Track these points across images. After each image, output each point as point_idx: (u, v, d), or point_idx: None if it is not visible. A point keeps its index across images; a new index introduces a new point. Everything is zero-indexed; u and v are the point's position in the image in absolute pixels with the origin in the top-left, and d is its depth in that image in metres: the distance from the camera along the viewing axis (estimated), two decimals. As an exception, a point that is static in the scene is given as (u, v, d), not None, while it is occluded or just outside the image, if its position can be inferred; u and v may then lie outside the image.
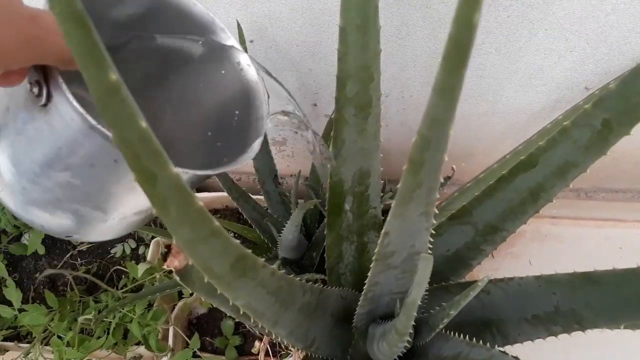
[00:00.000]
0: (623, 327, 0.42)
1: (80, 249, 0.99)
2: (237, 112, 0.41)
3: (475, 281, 0.38)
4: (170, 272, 0.50)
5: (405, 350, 0.44)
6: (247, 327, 0.89)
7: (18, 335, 0.89)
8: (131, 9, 0.36)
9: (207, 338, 0.90)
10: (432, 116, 0.21)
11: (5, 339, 0.86)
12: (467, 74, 0.20)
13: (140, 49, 0.38)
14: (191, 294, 0.89)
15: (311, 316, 0.44)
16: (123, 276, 0.95)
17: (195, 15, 0.39)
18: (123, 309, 0.79)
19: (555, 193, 0.45)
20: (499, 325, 0.48)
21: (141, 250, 0.98)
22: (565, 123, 0.41)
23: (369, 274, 0.42)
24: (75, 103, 0.26)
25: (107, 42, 0.36)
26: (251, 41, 0.65)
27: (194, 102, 0.42)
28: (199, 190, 0.98)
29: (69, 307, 0.85)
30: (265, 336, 0.82)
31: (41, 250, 0.94)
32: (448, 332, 0.46)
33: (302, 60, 0.68)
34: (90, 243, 0.99)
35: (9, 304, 0.82)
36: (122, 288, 0.90)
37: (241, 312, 0.35)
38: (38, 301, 0.91)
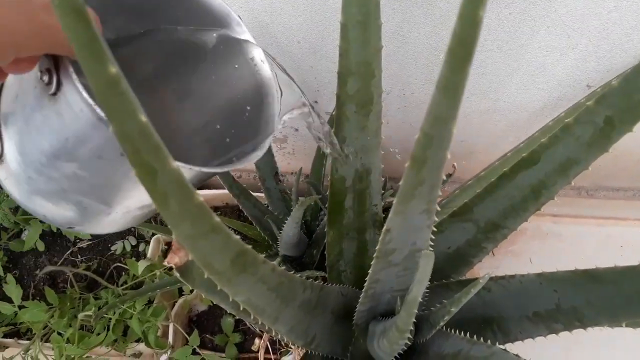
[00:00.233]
0: (624, 325, 0.41)
1: (81, 246, 0.99)
2: (248, 107, 0.40)
3: (477, 278, 0.38)
4: (171, 269, 0.49)
5: (405, 348, 0.44)
6: (247, 324, 0.89)
7: (18, 332, 0.89)
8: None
9: (207, 335, 0.90)
10: (435, 114, 0.21)
11: (5, 336, 0.86)
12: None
13: (154, 39, 0.38)
14: (191, 291, 0.89)
15: (312, 313, 0.44)
16: (123, 273, 0.95)
17: (211, 7, 0.38)
18: (123, 306, 0.79)
19: (557, 190, 0.45)
20: (500, 323, 0.48)
21: (141, 247, 0.98)
22: (567, 120, 0.41)
23: (369, 271, 0.42)
24: (85, 94, 0.25)
25: (121, 32, 0.35)
26: (252, 38, 0.65)
27: (205, 95, 0.42)
28: (199, 188, 0.98)
29: (69, 303, 0.85)
30: (265, 333, 0.82)
31: (41, 247, 0.94)
32: (449, 329, 0.46)
33: (303, 57, 0.68)
34: (91, 240, 0.99)
35: (9, 300, 0.82)
36: (122, 285, 0.90)
37: (241, 309, 0.35)
38: (38, 298, 0.91)
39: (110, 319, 0.80)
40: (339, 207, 0.53)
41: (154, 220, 1.01)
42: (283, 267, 0.36)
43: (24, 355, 0.78)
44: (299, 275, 0.40)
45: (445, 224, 0.53)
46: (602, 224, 1.02)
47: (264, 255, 0.32)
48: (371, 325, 0.50)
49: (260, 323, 0.38)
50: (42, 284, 0.95)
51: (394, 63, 0.67)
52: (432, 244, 0.39)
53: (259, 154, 0.36)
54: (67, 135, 0.27)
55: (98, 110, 0.26)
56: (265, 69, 0.40)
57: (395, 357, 0.45)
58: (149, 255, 0.89)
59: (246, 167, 1.03)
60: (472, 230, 0.52)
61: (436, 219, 0.35)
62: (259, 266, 0.32)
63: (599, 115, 0.38)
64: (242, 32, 0.39)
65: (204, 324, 0.93)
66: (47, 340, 0.82)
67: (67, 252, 0.98)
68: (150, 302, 0.84)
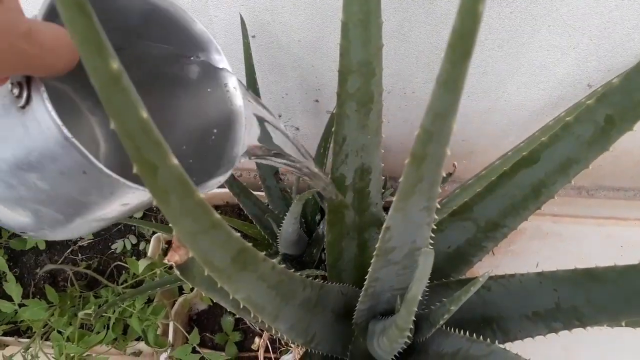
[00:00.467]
0: (624, 324, 0.42)
1: (81, 244, 0.99)
2: (215, 130, 0.40)
3: (476, 277, 0.38)
4: (171, 267, 0.50)
5: (405, 346, 0.44)
6: (247, 323, 0.89)
7: (18, 330, 0.89)
8: (130, 14, 0.35)
9: (207, 334, 0.90)
10: (435, 108, 0.21)
11: (5, 334, 0.86)
12: (469, 71, 0.19)
13: (131, 56, 0.38)
14: (191, 290, 0.89)
15: (312, 311, 0.44)
16: (123, 272, 0.95)
17: (193, 31, 0.38)
18: (123, 304, 0.79)
19: (557, 189, 0.45)
20: (500, 322, 0.48)
21: (142, 246, 0.98)
22: (567, 119, 0.41)
23: (369, 269, 0.42)
24: (53, 113, 0.25)
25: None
26: (253, 36, 0.65)
27: (175, 116, 0.42)
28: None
29: (69, 302, 0.85)
30: (265, 332, 0.82)
31: (42, 246, 0.95)
32: (448, 328, 0.46)
33: (304, 56, 0.68)
34: (91, 238, 0.99)
35: (9, 298, 0.82)
36: (122, 284, 0.90)
37: (241, 307, 0.35)
38: (38, 296, 0.91)
39: (110, 317, 0.80)
40: (339, 206, 0.53)
41: (155, 219, 1.01)
42: (283, 266, 0.36)
43: (24, 354, 0.78)
44: (299, 274, 0.40)
45: (445, 223, 0.53)
46: (602, 223, 1.02)
47: (264, 254, 0.32)
48: (371, 324, 0.50)
49: (260, 321, 0.38)
50: (42, 282, 0.95)
51: (394, 62, 0.67)
52: (432, 241, 0.39)
53: (220, 180, 0.36)
54: (31, 148, 0.27)
55: (65, 131, 0.25)
56: (237, 96, 0.40)
57: (395, 355, 0.45)
58: (149, 254, 0.89)
59: (247, 166, 1.03)
60: (472, 229, 0.52)
61: (436, 216, 0.35)
62: (259, 264, 0.32)
63: (599, 113, 0.38)
64: (221, 61, 0.39)
65: (204, 322, 0.93)
66: (47, 339, 0.82)
67: (68, 251, 0.98)
68: (150, 300, 0.85)
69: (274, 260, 0.34)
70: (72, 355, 0.75)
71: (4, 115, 0.28)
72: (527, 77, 0.68)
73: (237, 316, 0.89)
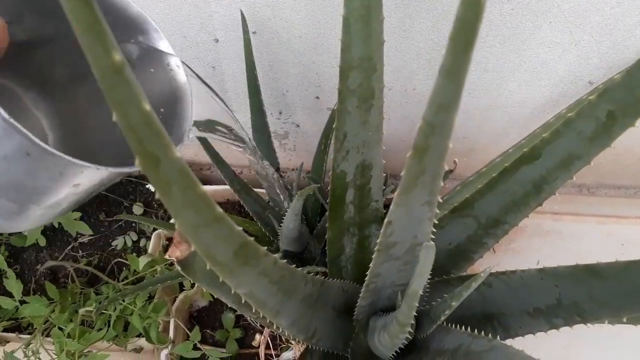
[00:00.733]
0: (625, 320, 0.42)
1: (82, 241, 0.99)
2: (162, 110, 0.40)
3: (477, 273, 0.38)
4: (172, 264, 0.50)
5: (406, 342, 0.44)
6: (248, 320, 0.90)
7: (19, 327, 0.89)
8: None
9: (208, 331, 0.90)
10: (438, 100, 0.21)
11: (6, 330, 0.86)
12: (470, 68, 0.19)
13: (68, 41, 0.37)
14: (192, 286, 0.90)
15: (313, 307, 0.44)
16: (124, 269, 0.95)
17: (129, 13, 0.38)
18: (124, 301, 0.79)
19: (559, 186, 0.45)
20: (501, 319, 0.48)
21: (142, 242, 0.98)
22: (569, 115, 0.41)
23: (370, 265, 0.42)
24: None
25: (34, 33, 0.35)
26: (254, 32, 0.65)
27: None
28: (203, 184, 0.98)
29: (70, 298, 0.85)
30: (266, 329, 0.82)
31: (42, 242, 0.94)
32: (449, 324, 0.46)
33: (304, 52, 0.67)
34: (92, 235, 0.99)
35: (10, 295, 0.82)
36: (123, 280, 0.90)
37: (243, 302, 0.35)
38: (39, 293, 0.91)
39: (110, 314, 0.81)
40: (340, 202, 0.53)
41: (155, 216, 1.01)
42: (285, 261, 0.36)
43: (24, 350, 0.78)
44: (300, 269, 0.40)
45: (446, 220, 0.53)
46: (603, 222, 1.02)
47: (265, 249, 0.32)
48: (372, 320, 0.50)
49: (261, 317, 0.38)
50: (43, 278, 0.95)
51: (395, 58, 0.66)
52: (434, 237, 0.39)
53: None
54: None
55: (2, 111, 0.25)
56: (181, 74, 0.40)
57: (395, 351, 0.45)
58: (150, 250, 0.89)
59: (247, 163, 1.03)
60: (472, 226, 0.52)
61: (438, 211, 0.35)
62: (261, 258, 0.32)
63: (601, 109, 0.38)
64: (160, 39, 0.39)
65: (205, 319, 0.93)
66: (47, 335, 0.82)
67: (68, 247, 0.98)
68: (151, 297, 0.85)
69: (275, 256, 0.34)
70: (72, 351, 0.75)
71: None
72: (528, 74, 0.68)
73: (238, 313, 0.89)
